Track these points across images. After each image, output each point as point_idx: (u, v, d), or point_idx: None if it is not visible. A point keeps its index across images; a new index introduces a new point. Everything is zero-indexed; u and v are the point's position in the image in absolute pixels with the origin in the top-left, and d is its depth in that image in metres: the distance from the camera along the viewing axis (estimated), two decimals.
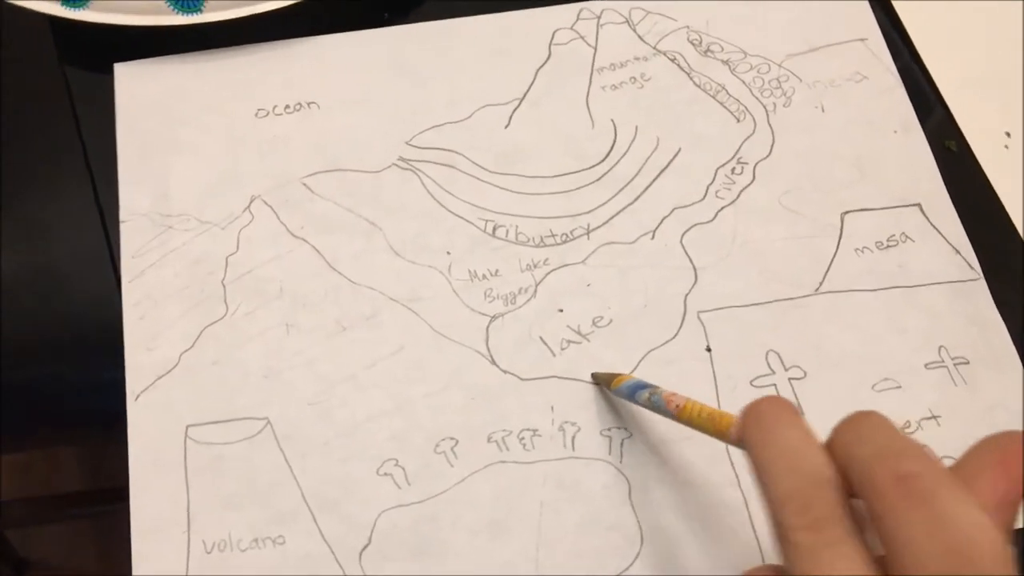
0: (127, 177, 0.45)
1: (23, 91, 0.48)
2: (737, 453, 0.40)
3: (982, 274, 0.44)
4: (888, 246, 0.45)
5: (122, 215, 0.44)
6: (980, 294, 0.44)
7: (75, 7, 0.46)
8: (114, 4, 0.46)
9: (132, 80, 0.47)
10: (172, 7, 0.46)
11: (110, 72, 0.48)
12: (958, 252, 0.45)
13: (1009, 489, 0.26)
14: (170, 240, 0.44)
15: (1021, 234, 0.45)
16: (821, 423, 0.40)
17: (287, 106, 0.47)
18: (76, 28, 0.46)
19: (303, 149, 0.46)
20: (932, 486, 0.24)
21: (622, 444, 0.40)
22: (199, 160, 0.46)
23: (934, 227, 0.45)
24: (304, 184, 0.45)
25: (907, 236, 0.45)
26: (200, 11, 0.46)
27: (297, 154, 0.46)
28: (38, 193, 0.46)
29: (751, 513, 0.39)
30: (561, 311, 0.43)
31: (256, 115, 0.47)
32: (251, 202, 0.45)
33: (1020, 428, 0.41)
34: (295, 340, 0.42)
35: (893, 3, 0.51)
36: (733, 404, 0.41)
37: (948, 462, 0.40)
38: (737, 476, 0.40)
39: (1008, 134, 0.48)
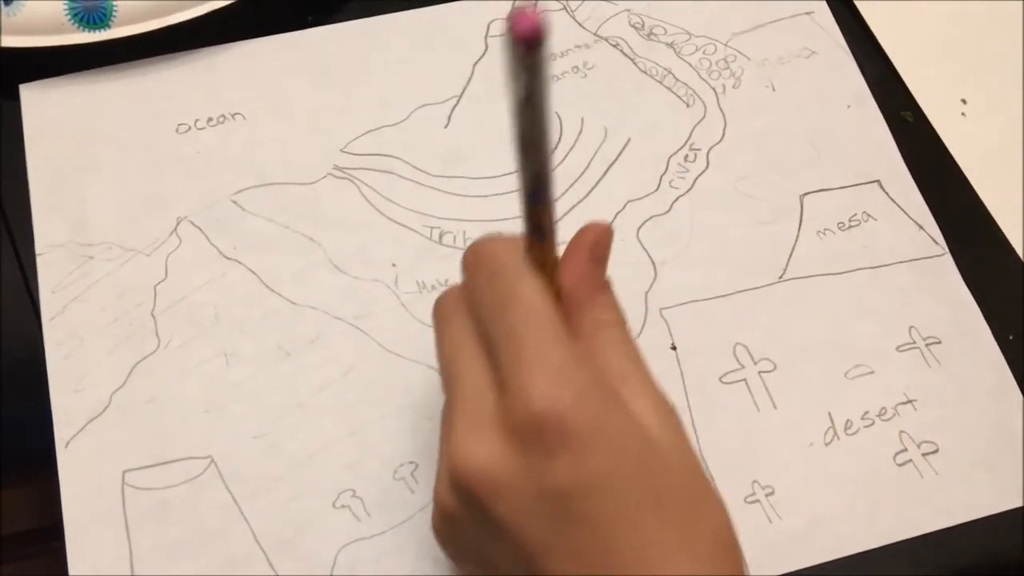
0: (41, 206, 0.42)
1: None
2: (712, 456, 0.38)
3: (947, 249, 0.43)
4: (850, 226, 0.43)
5: (38, 248, 0.41)
6: (947, 270, 0.42)
7: None
8: (14, 23, 0.43)
9: (40, 102, 0.44)
10: (76, 24, 0.43)
11: (16, 95, 0.44)
12: (922, 228, 0.43)
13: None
14: (92, 271, 0.41)
15: (984, 202, 0.44)
16: (796, 415, 0.39)
17: (210, 119, 0.44)
18: None
19: (230, 164, 0.43)
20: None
21: None
22: (118, 183, 0.43)
23: (895, 203, 0.44)
24: (234, 201, 0.42)
25: (869, 215, 0.43)
26: (108, 26, 0.43)
27: (224, 170, 0.43)
28: None
29: None
30: None
31: (177, 131, 0.44)
32: (178, 224, 0.42)
33: (995, 407, 0.40)
34: (236, 370, 0.39)
35: None
36: (703, 403, 0.39)
37: (928, 448, 0.39)
38: (712, 480, 0.38)
39: (964, 101, 0.47)
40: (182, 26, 0.44)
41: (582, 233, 0.31)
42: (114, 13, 0.43)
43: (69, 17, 0.43)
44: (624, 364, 0.30)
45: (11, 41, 0.43)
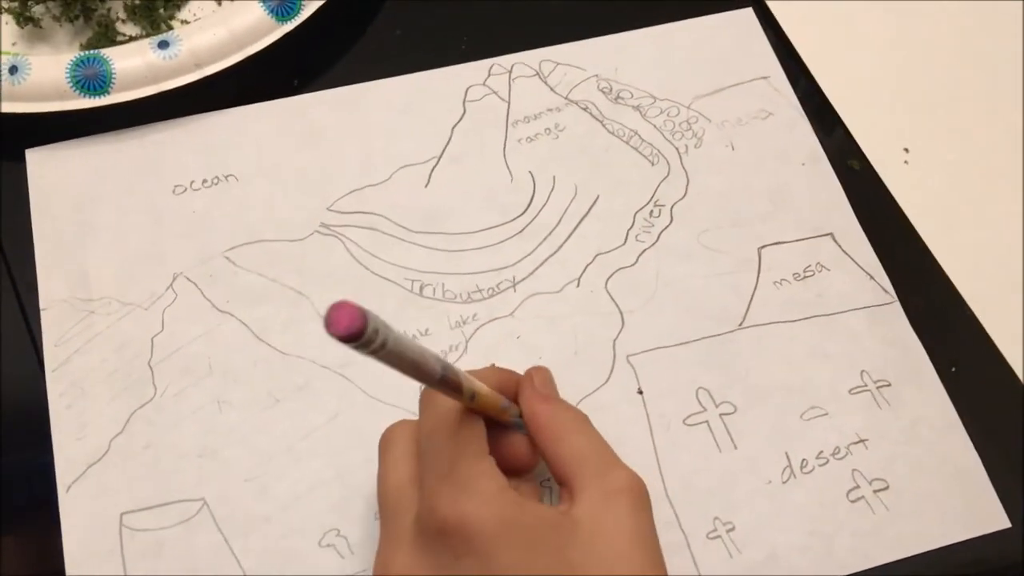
0: (45, 264, 0.44)
1: None
2: (676, 494, 0.41)
3: (896, 296, 0.46)
4: (805, 276, 0.46)
5: (42, 303, 0.43)
6: (896, 316, 0.45)
7: None
8: (19, 91, 0.45)
9: (45, 166, 0.47)
10: (78, 91, 0.46)
11: (22, 159, 0.47)
12: (872, 277, 0.46)
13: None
14: (93, 325, 0.43)
15: (927, 245, 0.47)
16: (756, 454, 0.42)
17: (204, 180, 0.47)
18: None
19: (223, 222, 0.46)
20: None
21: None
22: (117, 241, 0.45)
23: (847, 254, 0.47)
24: (227, 257, 0.45)
25: (822, 265, 0.46)
26: (107, 93, 0.46)
27: (217, 228, 0.46)
28: None
29: (692, 554, 0.40)
30: (493, 365, 0.43)
31: (173, 192, 0.46)
32: (174, 280, 0.44)
33: (941, 444, 0.42)
34: (228, 416, 0.41)
35: (785, 31, 0.53)
36: (668, 444, 0.42)
37: (879, 485, 0.41)
38: (677, 517, 0.40)
39: (907, 150, 0.50)
40: (176, 91, 0.47)
41: (529, 374, 0.38)
42: (113, 80, 0.46)
43: (71, 84, 0.46)
44: (585, 452, 0.35)
45: (16, 107, 0.46)
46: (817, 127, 0.50)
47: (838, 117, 0.50)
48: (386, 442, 0.36)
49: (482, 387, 0.34)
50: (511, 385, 0.38)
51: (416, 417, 0.36)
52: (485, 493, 0.32)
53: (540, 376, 0.38)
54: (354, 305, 0.24)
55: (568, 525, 0.32)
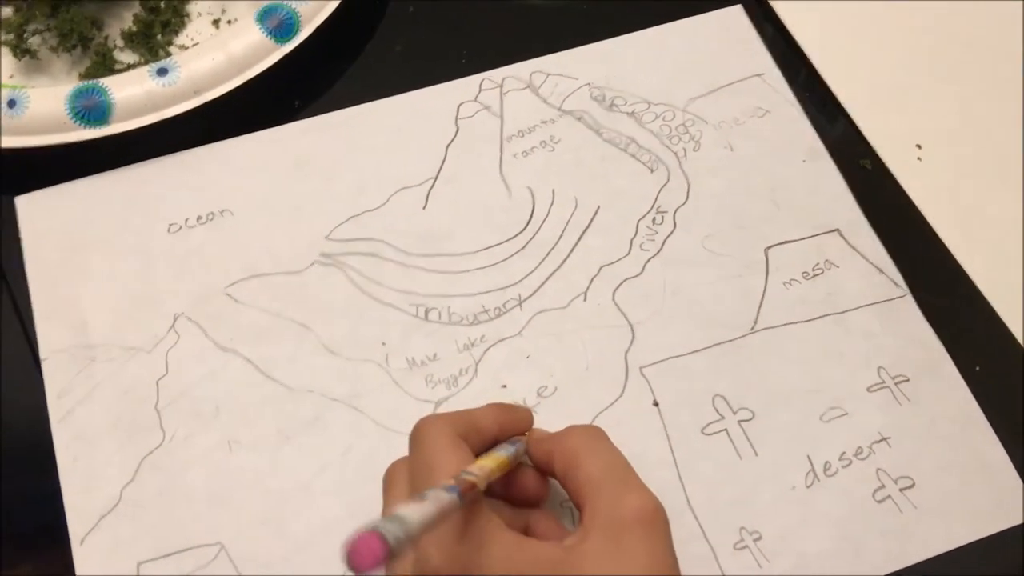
0: (42, 312, 0.44)
1: None
2: (700, 506, 0.40)
3: (908, 289, 0.45)
4: (814, 275, 0.45)
5: (42, 353, 0.43)
6: (909, 309, 0.45)
7: None
8: (20, 125, 0.45)
9: (35, 211, 0.46)
10: (78, 123, 0.45)
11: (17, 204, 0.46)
12: (882, 271, 0.45)
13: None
14: (95, 372, 0.42)
15: (943, 240, 0.46)
16: (777, 460, 0.41)
17: (199, 217, 0.46)
18: None
19: (221, 259, 0.45)
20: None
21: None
22: (114, 285, 0.44)
23: (855, 250, 0.46)
24: (227, 294, 0.44)
25: (831, 263, 0.46)
26: (107, 123, 0.45)
27: (216, 265, 0.45)
28: None
29: (720, 566, 0.39)
30: (505, 387, 0.43)
31: (168, 230, 0.46)
32: (175, 321, 0.44)
33: (965, 438, 0.42)
34: (239, 458, 0.41)
35: (789, 30, 0.52)
36: (688, 455, 0.41)
37: (904, 483, 0.40)
38: (702, 529, 0.40)
39: (919, 146, 0.49)
40: (176, 119, 0.46)
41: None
42: (113, 110, 0.45)
43: (71, 115, 0.45)
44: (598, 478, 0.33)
45: (17, 141, 0.45)
46: (819, 123, 0.49)
47: (844, 113, 0.50)
48: (388, 481, 0.36)
49: (494, 463, 0.33)
50: (513, 421, 0.38)
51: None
52: (488, 537, 0.31)
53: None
54: (368, 536, 0.23)
55: (577, 562, 0.31)
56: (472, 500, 0.31)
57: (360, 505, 0.40)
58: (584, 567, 0.31)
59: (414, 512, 0.26)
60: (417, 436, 0.34)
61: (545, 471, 0.36)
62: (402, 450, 0.39)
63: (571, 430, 0.36)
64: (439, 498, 0.27)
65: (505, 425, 0.37)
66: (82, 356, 0.43)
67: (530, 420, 0.39)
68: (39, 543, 0.41)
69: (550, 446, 0.35)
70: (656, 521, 0.32)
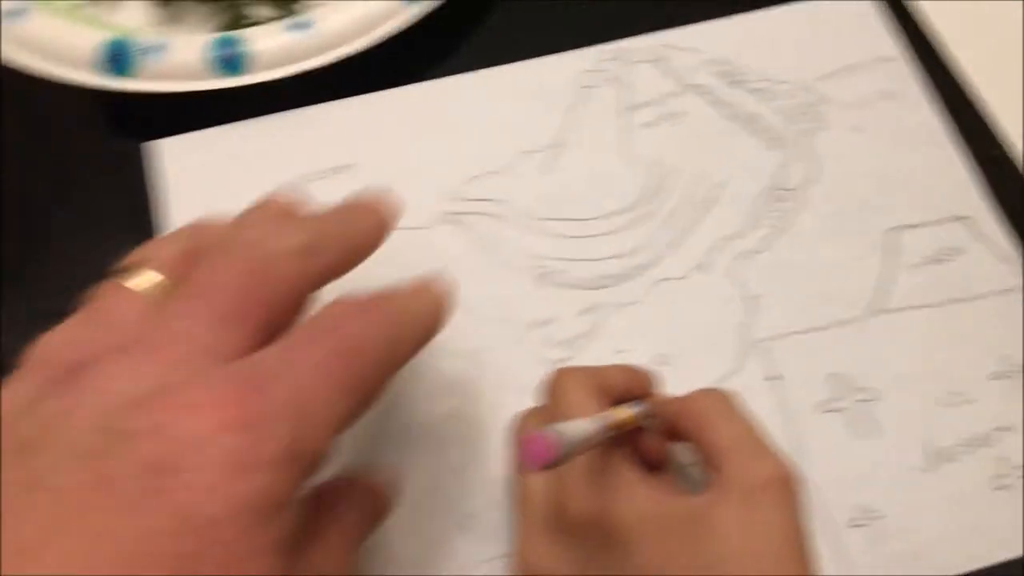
0: None
1: (72, 170, 0.49)
2: (814, 482, 0.40)
3: None
4: (939, 260, 0.45)
5: None
6: None
7: (121, 77, 0.46)
8: (160, 71, 0.46)
9: (178, 154, 0.47)
10: (215, 72, 0.46)
11: (156, 149, 0.48)
12: (1008, 261, 0.45)
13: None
14: None
15: None
16: (896, 442, 0.41)
17: (329, 169, 0.47)
18: (120, 105, 0.46)
19: None
20: None
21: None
22: None
23: (981, 238, 0.45)
24: None
25: (956, 249, 0.45)
26: (244, 73, 0.46)
27: None
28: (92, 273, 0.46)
29: (836, 542, 0.39)
30: (622, 352, 0.43)
31: (302, 180, 0.47)
32: None
33: None
34: None
35: (922, 15, 0.51)
36: (804, 431, 0.41)
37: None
38: (818, 505, 0.40)
39: None
40: (305, 75, 0.47)
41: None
42: (249, 61, 0.46)
43: (209, 64, 0.46)
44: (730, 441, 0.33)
45: (157, 86, 0.46)
46: (948, 109, 0.49)
47: (974, 100, 0.49)
48: (520, 430, 0.37)
49: (627, 415, 0.34)
50: (638, 382, 0.38)
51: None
52: (624, 487, 0.32)
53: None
54: (543, 436, 0.24)
55: (709, 520, 0.31)
56: (609, 444, 0.32)
57: (478, 454, 0.41)
58: (717, 527, 0.31)
59: (580, 427, 0.26)
60: (556, 386, 0.35)
61: (670, 433, 0.37)
62: (517, 406, 0.39)
63: (699, 393, 0.36)
64: (599, 422, 0.28)
65: (631, 385, 0.37)
66: None
67: (652, 383, 0.39)
68: None
69: (678, 407, 0.35)
70: (789, 487, 0.32)
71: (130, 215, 0.47)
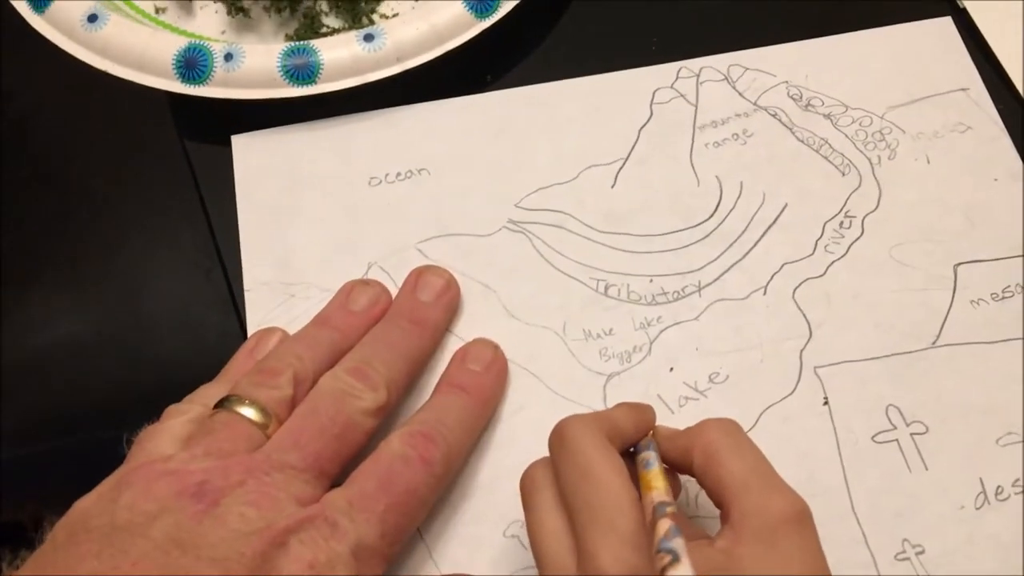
0: (249, 247, 0.47)
1: (147, 168, 0.51)
2: (863, 512, 0.40)
3: None
4: (1003, 297, 0.44)
5: (246, 284, 0.46)
6: None
7: (196, 84, 0.47)
8: (233, 78, 0.48)
9: (250, 151, 0.49)
10: (287, 80, 0.48)
11: (228, 144, 0.49)
12: None
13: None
14: (293, 308, 0.45)
15: None
16: (947, 477, 0.40)
17: (399, 173, 0.48)
18: (194, 104, 0.48)
19: (416, 215, 0.47)
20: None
21: None
22: (317, 228, 0.47)
23: None
24: (418, 249, 0.46)
25: (1019, 286, 0.45)
26: (314, 83, 0.48)
27: (410, 220, 0.47)
28: (163, 267, 0.48)
29: (879, 570, 0.39)
30: (676, 369, 0.43)
31: (369, 183, 0.48)
32: (368, 268, 0.46)
33: None
34: (417, 403, 0.43)
35: (993, 49, 0.51)
36: (856, 460, 0.41)
37: None
38: (864, 535, 0.40)
39: None
40: (374, 84, 0.48)
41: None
42: (320, 71, 0.48)
43: (281, 73, 0.48)
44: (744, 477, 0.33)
45: (230, 93, 0.48)
46: (1020, 144, 0.48)
47: None
48: (532, 486, 0.36)
49: (662, 480, 0.34)
50: (644, 420, 0.38)
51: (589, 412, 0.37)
52: (648, 548, 0.31)
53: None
54: None
55: (733, 565, 0.31)
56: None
57: (526, 463, 0.41)
58: (744, 569, 0.31)
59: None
60: (565, 440, 0.34)
61: (678, 468, 0.37)
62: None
63: (706, 425, 0.35)
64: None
65: (639, 424, 0.37)
66: (282, 291, 0.45)
67: (654, 418, 0.39)
68: None
69: (686, 442, 0.35)
70: (805, 521, 0.32)
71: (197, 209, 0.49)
